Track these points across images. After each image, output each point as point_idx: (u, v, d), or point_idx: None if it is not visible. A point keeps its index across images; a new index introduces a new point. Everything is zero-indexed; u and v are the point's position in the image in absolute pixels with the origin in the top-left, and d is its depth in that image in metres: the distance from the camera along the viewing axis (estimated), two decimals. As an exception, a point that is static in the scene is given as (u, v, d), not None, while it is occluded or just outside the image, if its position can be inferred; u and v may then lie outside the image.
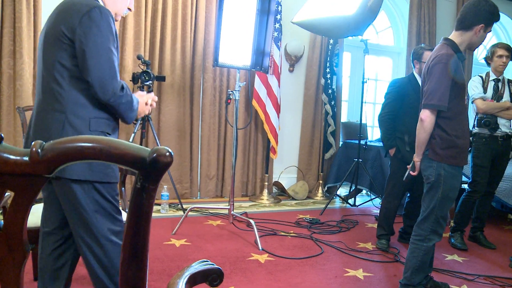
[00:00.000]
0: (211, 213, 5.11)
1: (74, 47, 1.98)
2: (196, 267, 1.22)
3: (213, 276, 1.22)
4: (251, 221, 4.26)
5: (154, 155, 0.72)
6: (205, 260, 1.27)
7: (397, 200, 4.28)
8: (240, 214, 4.66)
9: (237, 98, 4.46)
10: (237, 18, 4.43)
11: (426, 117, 2.86)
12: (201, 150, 5.89)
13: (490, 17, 2.89)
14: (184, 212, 4.82)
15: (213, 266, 1.24)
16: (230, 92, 4.46)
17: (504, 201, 5.24)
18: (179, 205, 5.16)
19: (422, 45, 4.34)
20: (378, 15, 7.52)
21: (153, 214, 4.80)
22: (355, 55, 7.38)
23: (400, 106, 4.16)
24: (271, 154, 6.17)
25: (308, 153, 6.66)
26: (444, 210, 2.95)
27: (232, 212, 4.56)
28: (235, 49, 4.45)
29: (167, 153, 0.73)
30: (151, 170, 0.73)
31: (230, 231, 4.46)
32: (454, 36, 2.97)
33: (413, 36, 7.47)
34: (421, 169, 3.03)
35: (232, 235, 4.35)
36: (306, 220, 5.08)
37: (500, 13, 9.79)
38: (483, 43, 3.31)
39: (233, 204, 4.58)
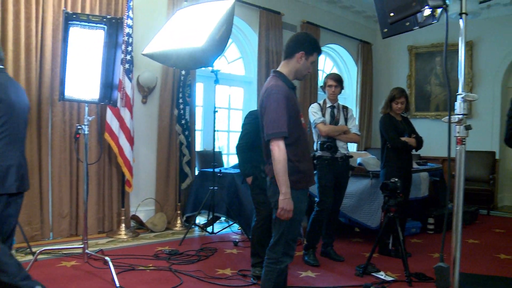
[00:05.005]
0: (64, 253, 4.83)
1: None
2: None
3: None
4: (107, 258, 4.13)
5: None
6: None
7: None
8: (95, 252, 4.50)
9: (86, 132, 4.38)
10: (85, 51, 4.33)
11: (276, 147, 2.86)
12: (52, 187, 5.55)
13: (309, 46, 3.09)
14: (33, 256, 4.50)
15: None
16: (79, 127, 4.35)
17: (349, 216, 5.69)
18: (28, 249, 4.80)
19: None
20: (229, 47, 7.82)
21: (-2, 261, 4.45)
22: (207, 85, 7.53)
23: (256, 136, 4.28)
24: (126, 188, 6.01)
25: (164, 184, 6.62)
26: (293, 233, 3.03)
27: (86, 250, 4.38)
28: (83, 82, 4.35)
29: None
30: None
31: (85, 271, 4.27)
32: (282, 66, 3.13)
33: (262, 66, 7.84)
34: (268, 196, 3.11)
35: (88, 275, 4.17)
36: (165, 252, 5.03)
37: (337, 45, 10.58)
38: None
39: (87, 242, 4.41)
